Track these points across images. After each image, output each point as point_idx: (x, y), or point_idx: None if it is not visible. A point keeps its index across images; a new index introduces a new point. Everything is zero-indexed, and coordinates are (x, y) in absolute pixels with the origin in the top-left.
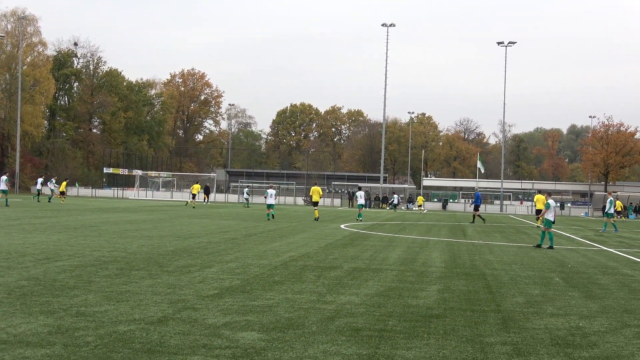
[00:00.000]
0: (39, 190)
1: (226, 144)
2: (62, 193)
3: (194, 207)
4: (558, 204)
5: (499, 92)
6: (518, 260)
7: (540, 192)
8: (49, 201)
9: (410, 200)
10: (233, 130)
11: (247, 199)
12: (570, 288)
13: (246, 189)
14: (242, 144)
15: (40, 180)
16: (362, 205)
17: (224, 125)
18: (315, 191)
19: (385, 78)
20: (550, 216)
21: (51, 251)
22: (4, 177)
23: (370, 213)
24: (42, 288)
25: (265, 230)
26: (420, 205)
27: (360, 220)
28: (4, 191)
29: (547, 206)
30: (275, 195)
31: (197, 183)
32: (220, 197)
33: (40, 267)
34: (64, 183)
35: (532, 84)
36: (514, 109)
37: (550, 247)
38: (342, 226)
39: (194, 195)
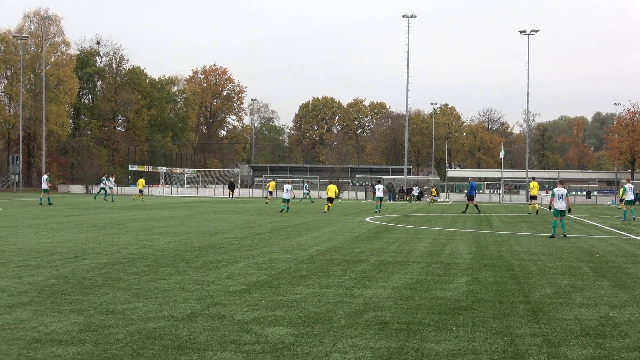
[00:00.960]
0: (103, 189)
1: (249, 139)
2: (141, 192)
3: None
4: (577, 192)
5: (522, 81)
6: (545, 251)
7: (534, 178)
8: (104, 199)
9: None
10: (256, 125)
11: (307, 194)
12: (600, 278)
13: (306, 184)
14: (265, 138)
15: (104, 179)
16: (380, 197)
17: (246, 120)
18: (331, 189)
19: (407, 69)
20: (558, 205)
21: (79, 249)
22: (45, 177)
23: (395, 205)
24: (72, 286)
25: (291, 224)
26: (434, 195)
27: (377, 212)
28: (45, 190)
29: (552, 194)
30: (291, 190)
31: (273, 181)
32: (245, 192)
33: (69, 265)
34: (142, 181)
35: (555, 72)
36: (538, 97)
37: (552, 236)
38: (367, 219)
39: (270, 193)
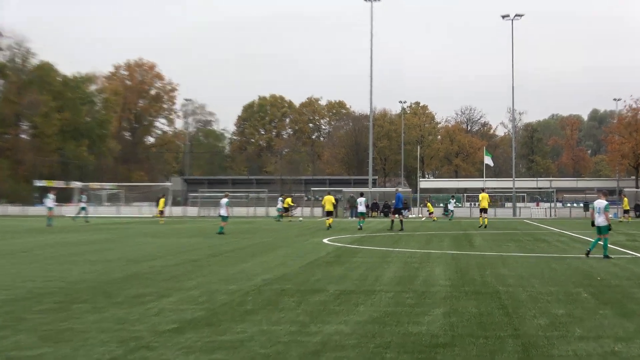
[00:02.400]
0: (84, 209)
1: (183, 146)
2: (162, 212)
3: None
4: (573, 204)
5: (506, 75)
6: (538, 274)
7: (484, 190)
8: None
9: (405, 206)
10: (190, 130)
11: (279, 210)
12: (602, 305)
13: (280, 198)
14: (202, 146)
15: (83, 197)
16: (363, 213)
17: (179, 124)
18: (328, 200)
19: (371, 60)
20: (598, 220)
21: None
22: None
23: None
24: None
25: (234, 248)
26: (431, 212)
27: (360, 229)
28: None
29: (592, 207)
30: (226, 205)
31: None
32: (178, 210)
33: None
34: (162, 200)
35: (545, 64)
36: (525, 93)
37: (587, 252)
38: (324, 240)
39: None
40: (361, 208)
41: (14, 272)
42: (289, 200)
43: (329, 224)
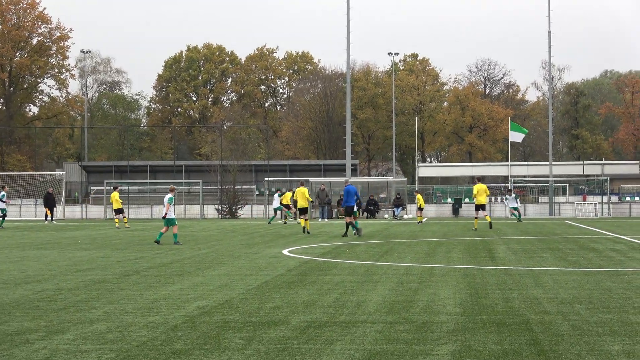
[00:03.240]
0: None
1: (80, 119)
2: (120, 211)
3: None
4: (634, 197)
5: (540, 15)
6: (584, 297)
7: (480, 179)
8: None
9: (399, 202)
10: (91, 95)
11: (277, 209)
12: None
13: (277, 194)
14: (108, 118)
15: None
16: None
17: (74, 87)
18: (301, 194)
19: None
20: None
21: None
22: None
23: (332, 227)
24: None
25: (156, 264)
26: (421, 208)
27: (357, 234)
28: None
29: None
30: (169, 202)
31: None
32: (74, 210)
33: None
34: (115, 195)
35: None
36: (566, 42)
37: None
38: (284, 252)
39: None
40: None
41: None
42: (288, 196)
43: (306, 227)
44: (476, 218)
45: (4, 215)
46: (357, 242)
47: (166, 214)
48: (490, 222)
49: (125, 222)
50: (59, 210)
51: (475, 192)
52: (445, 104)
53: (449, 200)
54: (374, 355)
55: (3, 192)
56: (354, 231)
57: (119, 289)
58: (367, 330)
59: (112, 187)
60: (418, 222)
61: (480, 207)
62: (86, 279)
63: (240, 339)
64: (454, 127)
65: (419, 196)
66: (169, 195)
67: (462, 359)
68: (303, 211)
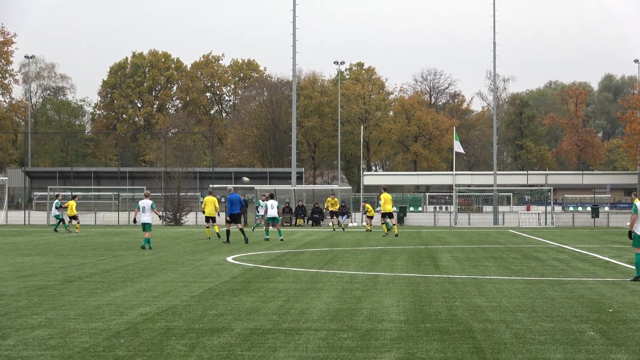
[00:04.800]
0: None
1: (23, 124)
2: (74, 217)
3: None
4: (577, 207)
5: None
6: (527, 305)
7: (385, 189)
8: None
9: (344, 210)
10: (35, 101)
11: (260, 217)
12: (614, 347)
13: (260, 201)
14: (52, 124)
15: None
16: (275, 219)
17: (17, 92)
18: (210, 202)
19: None
20: None
21: None
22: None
23: (276, 235)
24: None
25: (98, 270)
26: (371, 217)
27: (266, 240)
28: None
29: (635, 210)
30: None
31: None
32: (16, 215)
33: None
34: (72, 203)
35: (538, 12)
36: (511, 51)
37: (636, 278)
38: (228, 259)
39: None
40: (272, 212)
41: None
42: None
43: (213, 234)
44: (384, 224)
45: (61, 220)
46: (302, 250)
47: (135, 219)
48: (397, 233)
49: (77, 228)
50: (1, 215)
51: (382, 201)
52: (391, 113)
53: (394, 210)
54: None
55: (57, 201)
56: (226, 240)
57: (62, 295)
58: (311, 338)
59: (71, 196)
60: (367, 230)
61: (387, 215)
62: (28, 285)
63: (183, 346)
64: (400, 136)
65: (367, 205)
66: (147, 202)
67: None
68: (211, 219)
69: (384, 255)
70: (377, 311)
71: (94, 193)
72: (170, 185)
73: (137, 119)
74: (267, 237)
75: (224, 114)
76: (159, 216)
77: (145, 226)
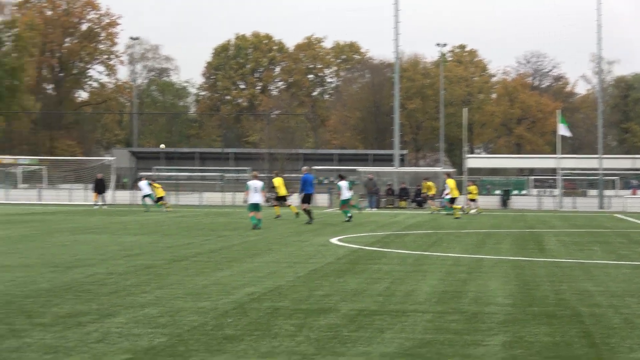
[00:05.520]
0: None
1: (129, 105)
2: (161, 198)
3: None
4: None
5: (589, 7)
6: (635, 290)
7: (449, 175)
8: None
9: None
10: (139, 82)
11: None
12: None
13: (342, 183)
14: (157, 105)
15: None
16: (346, 200)
17: (123, 73)
18: (280, 182)
19: None
20: None
21: None
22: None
23: (380, 216)
24: None
25: (205, 250)
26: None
27: (349, 220)
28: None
29: None
30: (149, 186)
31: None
32: (123, 195)
33: None
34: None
35: None
36: (617, 34)
37: None
38: (333, 240)
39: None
40: (346, 194)
41: None
42: (279, 181)
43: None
44: (455, 208)
45: (155, 201)
46: (406, 232)
47: (246, 200)
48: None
49: (167, 207)
50: (108, 195)
51: (450, 186)
52: (494, 95)
53: (497, 192)
54: (424, 345)
55: (145, 181)
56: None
57: (169, 274)
58: (417, 320)
59: (145, 179)
60: (466, 213)
61: (452, 200)
62: (136, 264)
63: (290, 326)
64: (503, 119)
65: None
66: (261, 183)
67: (513, 350)
68: (284, 199)
69: (488, 239)
70: (482, 294)
71: (199, 174)
72: (274, 167)
73: (240, 100)
74: (347, 217)
75: (326, 96)
76: (266, 198)
77: (256, 206)
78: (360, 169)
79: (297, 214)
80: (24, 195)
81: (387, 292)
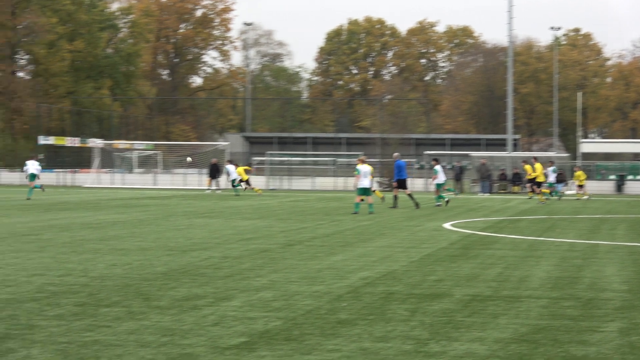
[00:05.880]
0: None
1: (243, 91)
2: (247, 182)
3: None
4: None
5: None
6: None
7: (536, 159)
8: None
9: (561, 178)
10: (253, 67)
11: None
12: None
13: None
14: (270, 90)
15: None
16: (441, 184)
17: (237, 59)
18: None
19: None
20: None
21: None
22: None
23: (493, 201)
24: None
25: (318, 235)
26: (581, 186)
27: (441, 204)
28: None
29: None
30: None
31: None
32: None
33: None
34: (242, 169)
35: None
36: None
37: None
38: (446, 225)
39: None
40: (441, 177)
41: (16, 262)
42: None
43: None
44: (539, 193)
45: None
46: (519, 217)
47: (356, 185)
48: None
49: (259, 191)
50: (222, 180)
51: (537, 170)
52: (609, 79)
53: (612, 177)
54: (539, 331)
55: (232, 165)
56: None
57: (283, 258)
58: (532, 305)
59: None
60: (577, 199)
61: (537, 184)
62: (250, 248)
63: (404, 310)
64: (618, 103)
65: (579, 173)
66: (369, 167)
67: (629, 337)
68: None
69: (603, 224)
70: (598, 280)
71: (311, 159)
72: (386, 152)
73: (352, 85)
74: (444, 202)
75: (438, 81)
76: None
77: (366, 191)
78: (473, 153)
79: (383, 198)
80: (139, 180)
81: (500, 278)
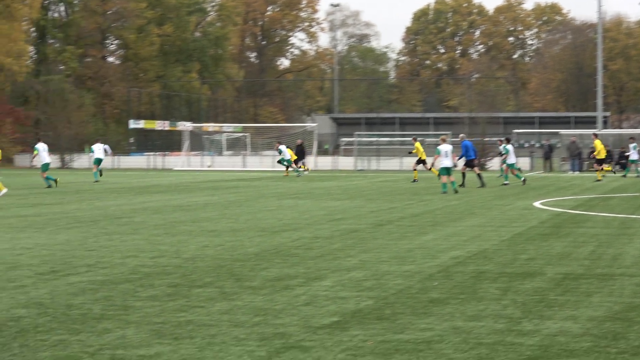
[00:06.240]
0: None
1: (330, 72)
2: (296, 162)
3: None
4: None
5: None
6: None
7: (596, 136)
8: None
9: None
10: (340, 49)
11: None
12: None
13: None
14: (357, 71)
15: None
16: (513, 164)
17: (324, 40)
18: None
19: None
20: None
21: (58, 260)
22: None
23: (583, 180)
24: (51, 319)
25: (407, 215)
26: None
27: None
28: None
29: None
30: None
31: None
32: (325, 161)
33: (44, 285)
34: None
35: None
36: None
37: None
38: (536, 204)
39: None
40: (513, 158)
41: (110, 245)
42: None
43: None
44: (598, 171)
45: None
46: (611, 195)
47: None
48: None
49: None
50: (310, 161)
51: (598, 148)
52: None
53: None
54: (633, 309)
55: (284, 146)
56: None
57: (373, 238)
58: (626, 283)
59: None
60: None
61: (602, 161)
62: (340, 228)
63: (496, 289)
64: None
65: None
66: (450, 146)
67: None
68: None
69: None
70: None
71: (399, 139)
72: (474, 131)
73: (440, 64)
74: (506, 182)
75: (527, 58)
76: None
77: (448, 170)
78: (563, 131)
79: (440, 176)
80: (228, 162)
81: (593, 256)
